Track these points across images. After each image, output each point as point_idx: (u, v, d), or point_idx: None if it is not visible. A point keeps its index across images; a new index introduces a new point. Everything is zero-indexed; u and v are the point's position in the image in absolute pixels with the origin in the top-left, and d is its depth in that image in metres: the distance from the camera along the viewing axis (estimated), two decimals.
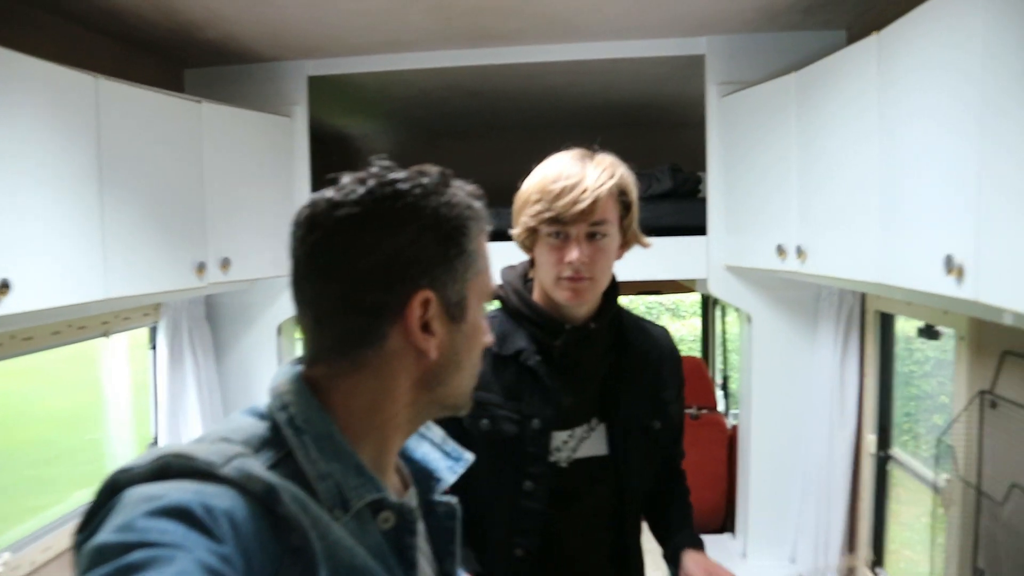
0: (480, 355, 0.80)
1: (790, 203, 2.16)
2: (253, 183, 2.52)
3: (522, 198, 1.33)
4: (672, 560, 1.46)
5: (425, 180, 0.73)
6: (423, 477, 0.85)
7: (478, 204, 0.77)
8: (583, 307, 1.35)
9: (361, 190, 0.71)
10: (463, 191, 0.76)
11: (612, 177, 1.29)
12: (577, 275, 1.28)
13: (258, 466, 0.63)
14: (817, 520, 2.48)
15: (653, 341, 1.46)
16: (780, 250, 2.19)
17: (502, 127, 3.87)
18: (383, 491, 0.70)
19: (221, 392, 2.72)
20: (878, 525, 2.40)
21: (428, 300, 0.71)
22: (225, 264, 2.34)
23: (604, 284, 1.34)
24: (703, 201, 2.64)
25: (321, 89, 2.77)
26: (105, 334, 2.31)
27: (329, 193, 0.72)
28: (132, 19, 2.18)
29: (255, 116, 2.52)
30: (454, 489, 1.24)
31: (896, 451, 2.37)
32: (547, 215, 1.26)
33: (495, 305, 1.45)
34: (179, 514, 0.56)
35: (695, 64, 2.59)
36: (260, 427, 0.70)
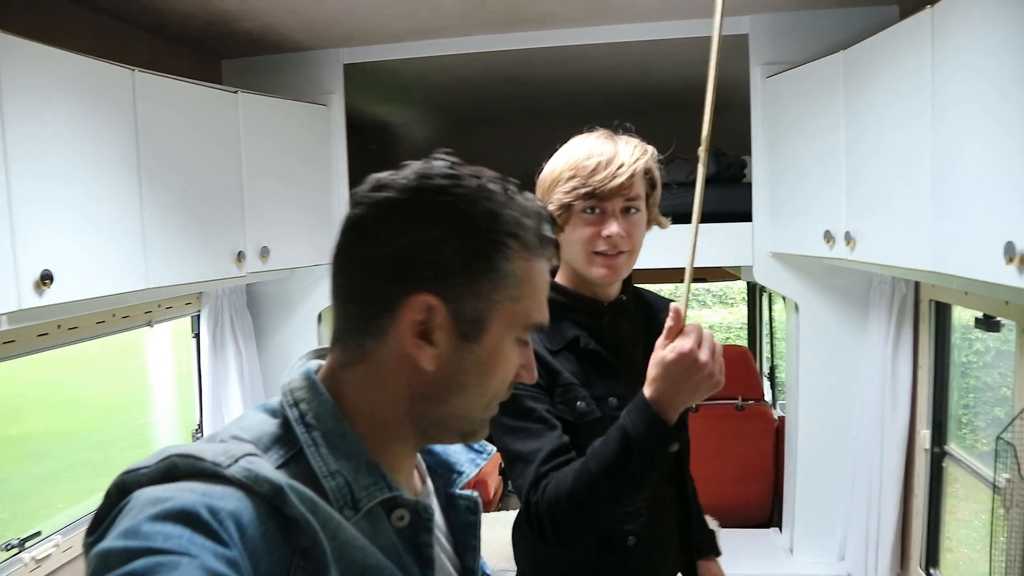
0: (502, 387, 0.73)
1: (838, 187, 2.07)
2: (290, 172, 2.53)
3: (551, 177, 1.33)
4: (690, 564, 1.46)
5: (472, 183, 0.68)
6: (443, 470, 0.83)
7: (531, 223, 0.69)
8: (614, 284, 1.35)
9: (410, 176, 0.68)
10: (521, 207, 0.69)
11: (645, 154, 1.30)
12: (614, 250, 1.28)
13: (266, 465, 0.62)
14: (868, 517, 2.39)
15: (659, 304, 1.46)
16: (828, 236, 2.10)
17: (540, 113, 3.82)
18: (396, 489, 0.68)
19: (263, 379, 2.76)
20: (932, 524, 2.30)
21: (432, 307, 0.66)
22: (264, 253, 2.36)
23: (635, 260, 1.34)
24: (748, 186, 2.56)
25: (357, 77, 2.76)
26: (149, 323, 2.35)
27: (384, 174, 0.70)
28: (169, 12, 2.20)
29: (292, 105, 2.53)
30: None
31: (952, 447, 2.26)
32: (584, 190, 1.27)
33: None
34: (184, 518, 0.55)
35: (738, 44, 2.50)
36: (271, 424, 0.69)
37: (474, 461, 0.84)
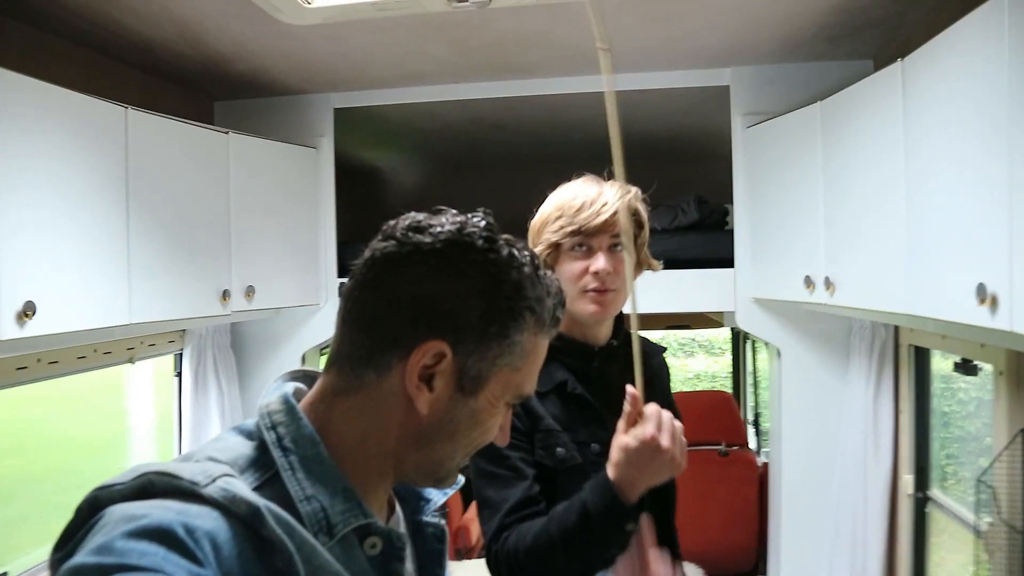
0: (483, 441, 0.76)
1: (817, 234, 2.11)
2: (279, 212, 2.55)
3: (540, 220, 1.38)
4: None
5: (506, 251, 0.71)
6: (411, 497, 0.83)
7: (550, 302, 0.73)
8: (604, 325, 1.38)
9: (449, 228, 0.70)
10: (543, 286, 0.73)
11: (628, 192, 1.34)
12: (603, 286, 1.31)
13: (243, 487, 0.61)
14: (852, 563, 2.37)
15: (654, 351, 1.50)
16: (808, 282, 2.14)
17: (526, 160, 3.88)
18: (370, 517, 0.68)
19: (244, 419, 2.72)
20: (917, 570, 2.29)
21: (442, 355, 0.68)
22: (249, 292, 2.36)
23: (625, 298, 1.36)
24: (730, 233, 2.61)
25: (347, 121, 2.81)
26: (130, 360, 2.33)
27: (421, 216, 0.72)
28: (162, 52, 2.24)
29: (282, 147, 2.57)
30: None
31: (936, 492, 2.26)
32: (570, 228, 1.31)
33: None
34: (160, 535, 0.54)
35: (719, 95, 2.58)
36: (247, 446, 0.68)
37: (442, 489, 0.84)
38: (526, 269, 0.71)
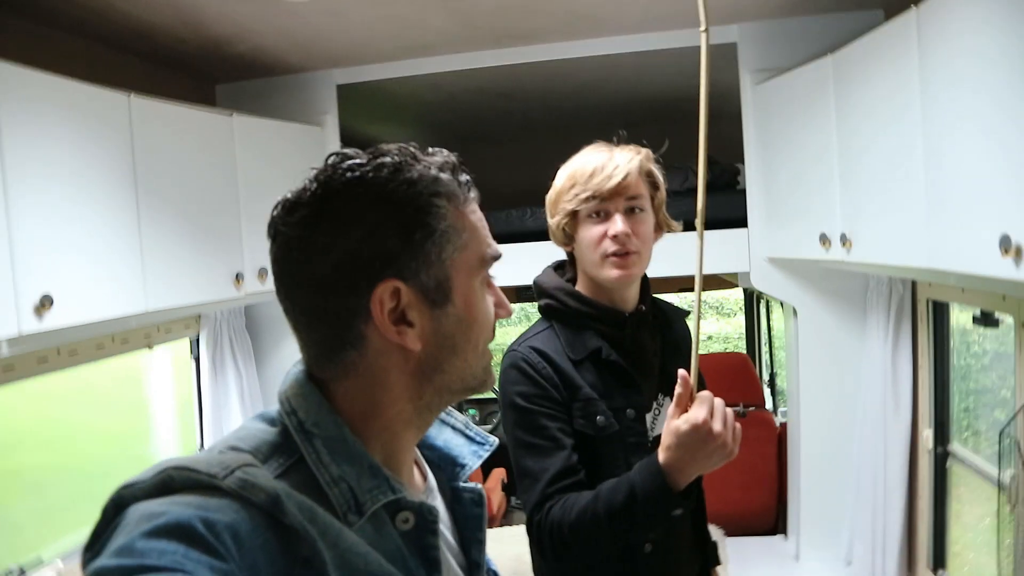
0: (487, 332, 0.74)
1: (832, 190, 2.08)
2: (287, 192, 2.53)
3: (555, 192, 1.39)
4: (703, 571, 1.48)
5: (378, 162, 0.68)
6: (446, 464, 0.83)
7: (446, 175, 0.70)
8: (631, 289, 1.38)
9: (314, 187, 0.68)
10: (427, 165, 0.70)
11: (639, 154, 1.35)
12: (623, 249, 1.31)
13: (263, 475, 0.61)
14: (873, 520, 2.38)
15: (675, 314, 1.52)
16: (824, 239, 2.11)
17: (532, 128, 3.85)
18: (400, 491, 0.68)
19: (264, 400, 2.75)
20: (938, 525, 2.29)
21: (397, 290, 0.66)
22: (262, 274, 2.36)
23: (647, 260, 1.37)
24: (742, 193, 2.58)
25: (350, 97, 2.78)
26: (148, 346, 2.35)
27: (288, 194, 0.69)
28: (162, 38, 2.22)
29: (286, 126, 2.55)
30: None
31: (956, 447, 2.26)
32: (585, 194, 1.32)
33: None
34: (179, 532, 0.53)
35: (726, 53, 2.53)
36: (270, 433, 0.68)
37: (476, 453, 0.84)
38: (404, 164, 0.68)
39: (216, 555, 0.54)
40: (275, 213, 0.70)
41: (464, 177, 0.73)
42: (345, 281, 0.66)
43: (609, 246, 1.31)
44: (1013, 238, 1.28)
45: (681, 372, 1.12)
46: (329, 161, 0.70)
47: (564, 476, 1.23)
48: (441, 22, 2.27)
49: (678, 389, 1.11)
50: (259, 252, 2.35)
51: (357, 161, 0.68)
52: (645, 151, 1.37)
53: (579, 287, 1.41)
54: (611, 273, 1.32)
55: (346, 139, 2.78)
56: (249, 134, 2.35)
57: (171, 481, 0.59)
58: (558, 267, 1.48)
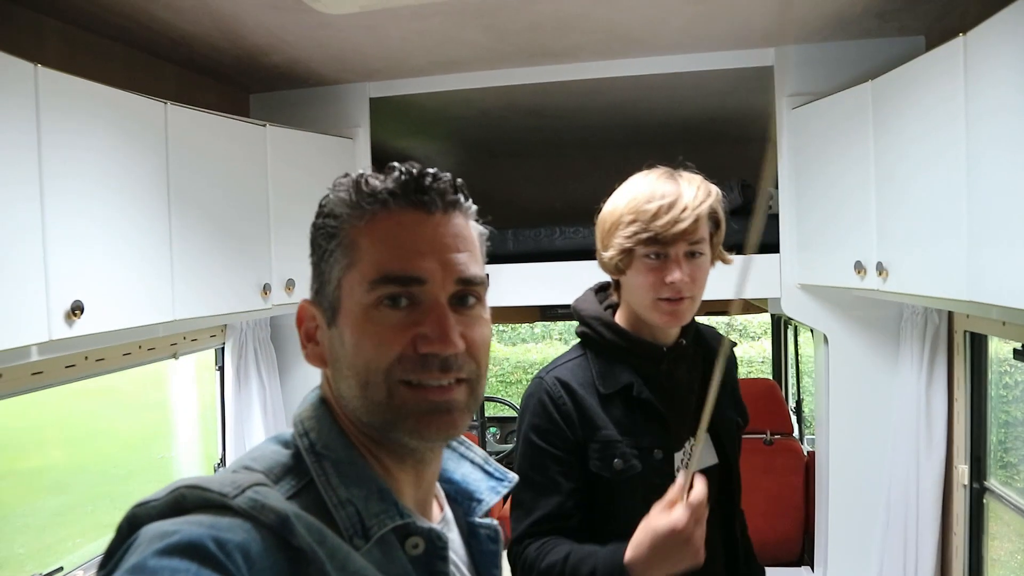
0: (376, 361, 0.66)
1: (868, 217, 2.04)
2: (317, 205, 2.54)
3: (611, 220, 1.29)
4: None
5: (324, 197, 0.72)
6: (463, 498, 0.82)
7: (343, 193, 0.70)
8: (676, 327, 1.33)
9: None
10: (339, 188, 0.71)
11: (708, 196, 1.26)
12: (677, 295, 1.25)
13: (274, 495, 0.61)
14: (905, 555, 2.31)
15: (716, 342, 1.44)
16: (859, 267, 2.07)
17: (562, 146, 3.84)
18: (408, 516, 0.67)
19: (286, 412, 2.74)
20: (974, 562, 2.22)
21: (304, 309, 0.72)
22: (289, 286, 2.36)
23: (699, 303, 1.31)
24: (775, 217, 2.54)
25: (383, 111, 2.79)
26: (174, 355, 2.35)
27: None
28: (200, 46, 2.24)
29: (318, 138, 2.56)
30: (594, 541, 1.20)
31: (993, 483, 2.19)
32: (645, 235, 1.23)
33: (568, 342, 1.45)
34: (191, 551, 0.54)
35: (762, 76, 2.50)
36: (283, 455, 0.68)
37: (495, 489, 0.82)
38: (324, 197, 0.72)
39: (227, 574, 0.54)
40: None
41: (368, 185, 0.69)
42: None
43: (664, 292, 1.24)
44: None
45: (679, 477, 1.09)
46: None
47: (550, 520, 1.24)
48: (476, 38, 2.27)
49: (672, 491, 1.07)
50: (287, 263, 2.36)
51: (325, 200, 0.73)
52: (715, 191, 1.28)
53: (619, 316, 1.36)
54: (662, 319, 1.27)
55: (377, 152, 2.79)
56: (281, 145, 2.36)
57: (183, 500, 0.59)
58: (600, 289, 1.43)
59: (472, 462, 0.84)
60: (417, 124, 3.36)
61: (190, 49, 2.26)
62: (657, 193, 1.24)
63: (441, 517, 0.78)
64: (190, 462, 2.91)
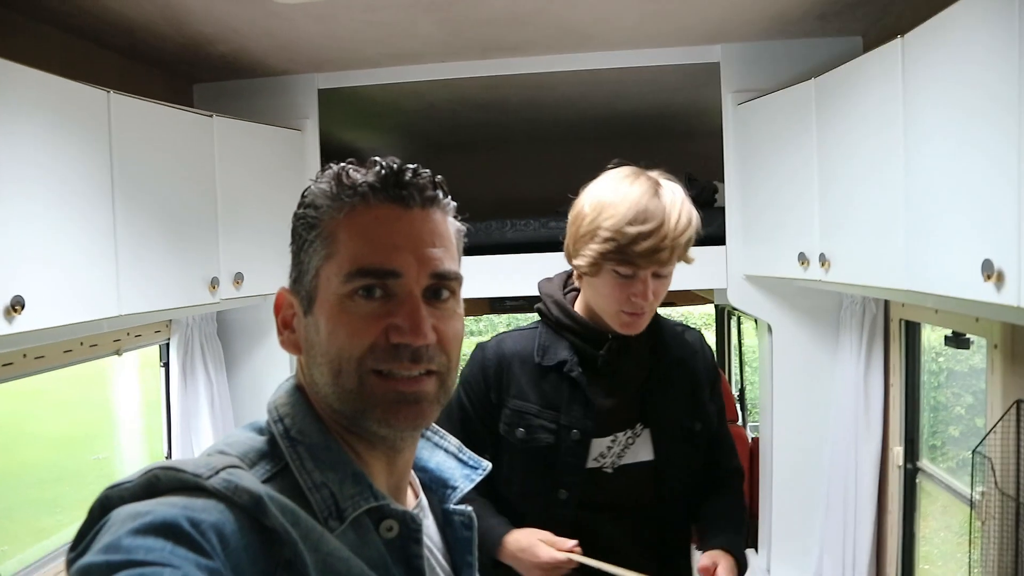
0: (348, 350, 0.67)
1: (811, 210, 2.12)
2: (265, 197, 2.49)
3: (587, 227, 1.28)
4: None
5: (306, 188, 0.73)
6: (438, 486, 0.83)
7: (324, 185, 0.70)
8: None
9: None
10: (320, 179, 0.72)
11: (689, 224, 1.26)
12: (640, 310, 1.29)
13: (248, 476, 0.62)
14: (844, 535, 2.42)
15: (686, 343, 1.47)
16: (802, 258, 2.15)
17: (511, 140, 3.85)
18: (382, 499, 0.68)
19: (233, 408, 2.68)
20: (907, 541, 2.34)
21: (282, 297, 0.73)
22: (238, 279, 2.31)
23: (655, 311, 1.36)
24: (721, 210, 2.61)
25: (331, 103, 2.75)
26: (117, 352, 2.28)
27: None
28: (142, 34, 2.16)
29: (266, 130, 2.50)
30: (486, 496, 1.29)
31: (925, 463, 2.31)
32: (621, 257, 1.25)
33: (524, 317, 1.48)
34: (166, 530, 0.54)
35: (708, 72, 2.57)
36: (258, 440, 0.69)
37: (468, 476, 0.84)
38: (317, 176, 0.73)
39: (202, 552, 0.54)
40: None
41: (348, 178, 0.70)
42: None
43: (627, 306, 1.28)
44: (995, 263, 1.31)
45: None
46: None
47: None
48: (429, 31, 2.26)
49: (563, 545, 1.26)
50: (235, 257, 2.30)
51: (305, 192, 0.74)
52: (695, 216, 1.28)
53: (578, 304, 1.40)
54: (621, 328, 1.31)
55: (326, 145, 2.75)
56: (228, 136, 2.30)
57: (157, 481, 0.59)
58: (570, 275, 1.45)
59: (446, 451, 0.85)
60: (366, 116, 3.32)
61: (132, 37, 2.18)
62: (640, 215, 1.23)
63: (416, 504, 0.79)
64: (132, 461, 2.82)
